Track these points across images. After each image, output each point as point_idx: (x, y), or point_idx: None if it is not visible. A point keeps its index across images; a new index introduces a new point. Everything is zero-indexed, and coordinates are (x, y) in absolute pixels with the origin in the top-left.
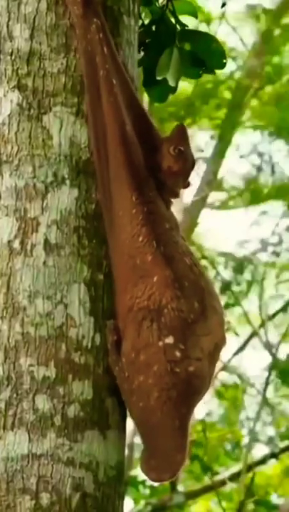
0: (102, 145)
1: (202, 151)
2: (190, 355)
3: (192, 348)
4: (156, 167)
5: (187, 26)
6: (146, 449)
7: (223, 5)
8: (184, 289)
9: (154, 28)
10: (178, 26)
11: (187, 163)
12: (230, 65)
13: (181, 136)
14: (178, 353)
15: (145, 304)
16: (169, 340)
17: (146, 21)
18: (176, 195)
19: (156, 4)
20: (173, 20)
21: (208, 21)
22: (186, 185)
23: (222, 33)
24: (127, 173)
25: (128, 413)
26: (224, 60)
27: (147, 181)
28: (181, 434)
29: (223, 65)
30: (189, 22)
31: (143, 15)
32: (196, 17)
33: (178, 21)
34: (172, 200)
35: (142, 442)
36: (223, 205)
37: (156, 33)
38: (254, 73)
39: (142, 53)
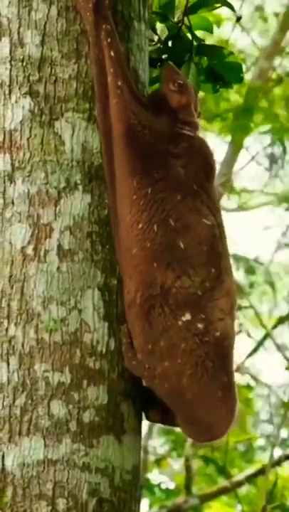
0: (109, 148)
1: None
2: (212, 320)
3: (212, 313)
4: (172, 113)
5: (204, 41)
6: (182, 418)
7: (238, 19)
8: (202, 255)
9: (170, 43)
10: (194, 41)
11: (191, 91)
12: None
13: (172, 72)
14: (200, 325)
15: (149, 292)
16: (187, 317)
17: (163, 37)
18: (197, 126)
19: (172, 20)
20: (189, 35)
21: (218, 23)
22: (198, 114)
23: (233, 34)
24: (128, 160)
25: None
26: (241, 74)
27: (153, 161)
28: (225, 404)
29: (240, 79)
30: (203, 34)
31: (159, 31)
32: (212, 32)
33: (194, 36)
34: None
35: (174, 411)
36: (242, 207)
37: (173, 48)
38: (265, 75)
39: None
